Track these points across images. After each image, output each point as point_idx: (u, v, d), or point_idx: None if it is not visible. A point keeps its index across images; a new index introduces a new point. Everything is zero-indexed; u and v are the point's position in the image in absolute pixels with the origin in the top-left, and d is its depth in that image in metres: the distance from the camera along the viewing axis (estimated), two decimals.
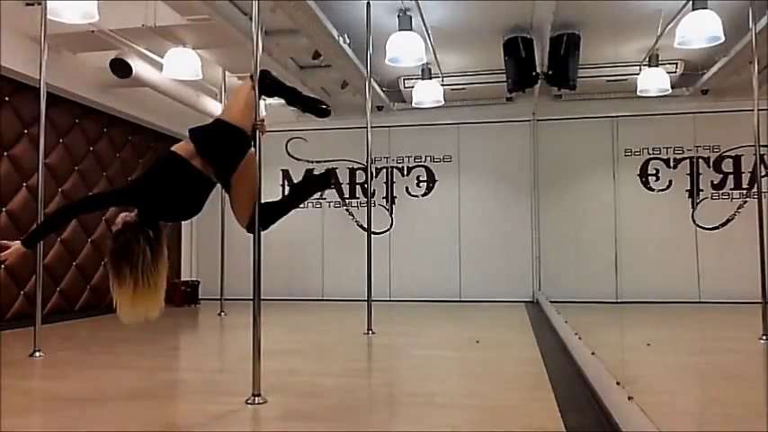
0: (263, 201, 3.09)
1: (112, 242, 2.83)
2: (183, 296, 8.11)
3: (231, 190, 3.10)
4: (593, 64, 7.17)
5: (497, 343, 5.06)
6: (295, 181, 8.83)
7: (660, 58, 6.86)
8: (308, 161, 8.87)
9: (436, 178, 8.73)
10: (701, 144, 8.14)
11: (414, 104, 7.69)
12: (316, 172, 8.85)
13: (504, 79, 6.97)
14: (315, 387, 3.37)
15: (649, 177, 8.25)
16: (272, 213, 3.17)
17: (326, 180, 3.91)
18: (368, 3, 5.43)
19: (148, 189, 2.90)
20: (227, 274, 7.52)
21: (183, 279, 8.52)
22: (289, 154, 8.90)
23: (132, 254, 2.74)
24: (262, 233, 3.08)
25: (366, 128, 5.64)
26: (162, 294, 2.85)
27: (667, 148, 8.22)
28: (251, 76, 3.16)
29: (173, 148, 3.02)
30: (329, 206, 8.90)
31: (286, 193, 3.66)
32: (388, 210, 8.79)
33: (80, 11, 4.83)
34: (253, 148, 3.09)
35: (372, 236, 5.84)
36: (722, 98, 7.80)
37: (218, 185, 3.13)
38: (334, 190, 8.88)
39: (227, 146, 3.03)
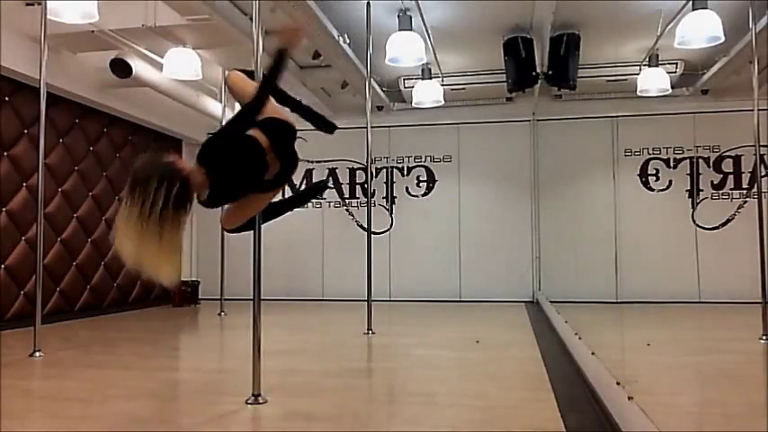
0: None
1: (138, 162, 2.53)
2: (183, 296, 8.11)
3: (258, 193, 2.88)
4: (593, 64, 7.16)
5: (497, 343, 5.06)
6: (295, 181, 8.86)
7: (660, 58, 6.86)
8: (307, 161, 8.86)
9: (436, 178, 8.73)
10: (701, 144, 8.14)
11: (414, 104, 7.69)
12: (315, 172, 8.87)
13: (504, 79, 6.97)
14: (315, 387, 3.37)
15: (649, 177, 8.25)
16: (268, 214, 3.12)
17: (322, 189, 4.33)
18: (368, 3, 5.43)
19: (226, 156, 2.62)
20: (227, 274, 7.51)
21: (182, 279, 8.52)
22: None
23: (148, 186, 2.39)
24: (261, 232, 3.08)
25: (366, 128, 5.63)
26: (177, 258, 2.55)
27: (667, 148, 8.22)
28: (247, 72, 3.10)
29: (253, 135, 2.69)
30: (329, 206, 8.90)
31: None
32: (388, 210, 8.79)
33: (80, 11, 4.83)
34: None
35: (372, 236, 5.84)
36: (722, 98, 7.80)
37: None
38: (334, 190, 8.89)
39: (292, 146, 2.87)
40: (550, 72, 6.70)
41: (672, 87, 7.21)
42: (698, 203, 8.10)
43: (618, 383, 2.58)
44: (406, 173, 8.81)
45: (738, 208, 7.96)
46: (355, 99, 7.75)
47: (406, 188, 8.80)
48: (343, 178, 8.89)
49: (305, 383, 3.48)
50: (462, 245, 8.53)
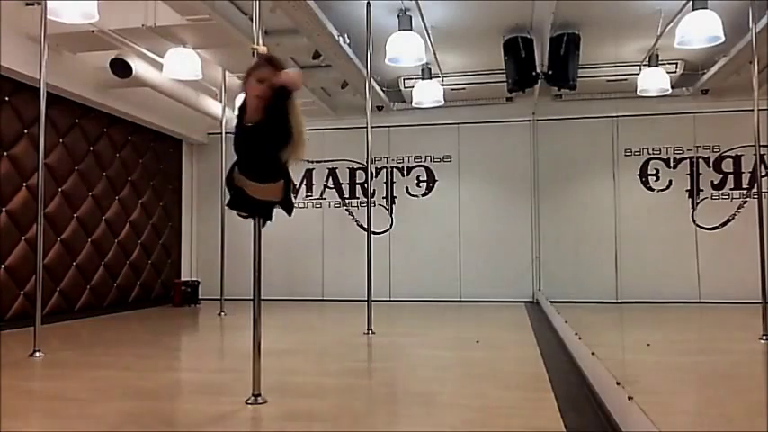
0: None
1: None
2: (183, 296, 8.11)
3: None
4: (593, 64, 7.16)
5: (497, 343, 5.06)
6: (295, 181, 8.84)
7: (660, 58, 6.86)
8: (308, 161, 8.85)
9: (436, 178, 8.73)
10: (701, 144, 8.14)
11: (414, 104, 7.69)
12: (315, 172, 8.87)
13: (504, 79, 6.97)
14: (315, 387, 3.37)
15: (649, 177, 8.25)
16: None
17: None
18: (368, 3, 5.43)
19: None
20: (227, 274, 7.51)
21: (183, 279, 8.52)
22: None
23: None
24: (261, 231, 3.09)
25: (366, 128, 5.64)
26: None
27: (667, 148, 8.22)
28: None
29: None
30: (329, 206, 8.90)
31: None
32: (388, 210, 8.78)
33: (80, 11, 4.83)
34: None
35: (372, 236, 5.84)
36: (722, 98, 7.79)
37: None
38: (334, 190, 8.89)
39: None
40: (550, 72, 6.70)
41: (672, 87, 7.21)
42: (698, 203, 8.10)
43: (618, 383, 2.57)
44: (406, 173, 8.81)
45: (738, 208, 7.96)
46: (355, 99, 7.74)
47: (406, 188, 8.80)
48: (343, 178, 8.89)
49: (305, 383, 3.48)
50: (462, 245, 8.53)
